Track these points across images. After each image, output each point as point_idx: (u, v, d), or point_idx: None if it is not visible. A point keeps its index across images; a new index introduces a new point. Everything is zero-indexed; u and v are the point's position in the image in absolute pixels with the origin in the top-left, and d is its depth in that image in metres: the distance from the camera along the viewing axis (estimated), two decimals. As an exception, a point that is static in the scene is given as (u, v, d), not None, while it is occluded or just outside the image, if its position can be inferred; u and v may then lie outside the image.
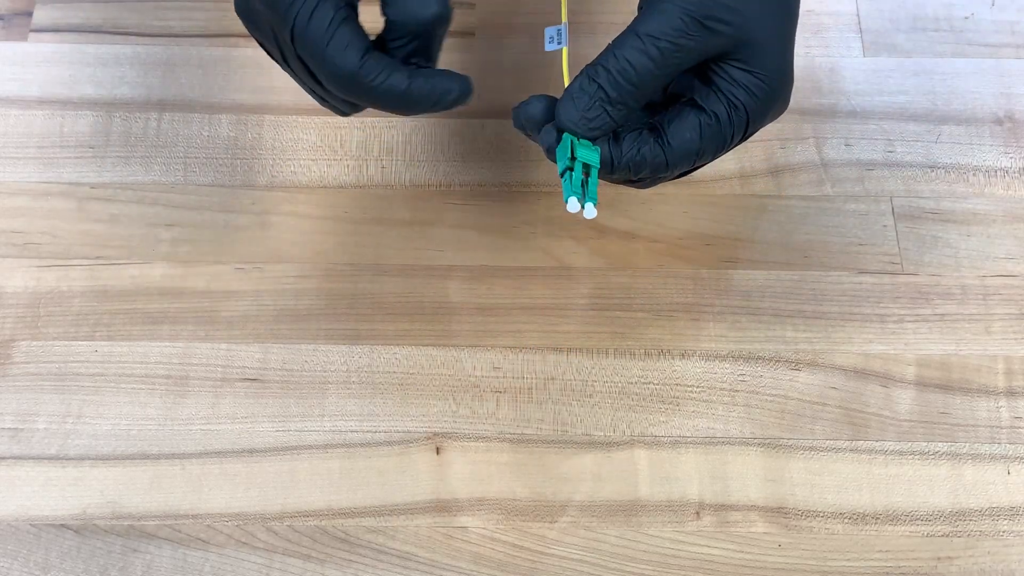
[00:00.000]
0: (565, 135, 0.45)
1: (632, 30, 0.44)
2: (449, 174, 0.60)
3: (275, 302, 0.56)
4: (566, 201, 0.44)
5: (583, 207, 0.44)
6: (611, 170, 0.46)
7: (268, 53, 0.48)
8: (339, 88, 0.44)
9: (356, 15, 0.44)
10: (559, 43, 0.50)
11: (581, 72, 0.45)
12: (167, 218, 0.59)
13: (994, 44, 0.65)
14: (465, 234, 0.58)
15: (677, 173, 0.47)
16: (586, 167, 0.45)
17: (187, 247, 0.58)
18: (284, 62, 0.47)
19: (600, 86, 0.44)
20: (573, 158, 0.45)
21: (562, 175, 0.45)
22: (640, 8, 0.46)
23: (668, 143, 0.45)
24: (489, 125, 0.62)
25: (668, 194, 0.59)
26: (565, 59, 0.49)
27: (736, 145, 0.48)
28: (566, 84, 0.47)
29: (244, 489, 0.52)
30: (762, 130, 0.61)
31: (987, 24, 0.66)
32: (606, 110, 0.44)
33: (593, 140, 0.45)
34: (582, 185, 0.45)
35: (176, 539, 0.51)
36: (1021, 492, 0.52)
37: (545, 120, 0.46)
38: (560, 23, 0.50)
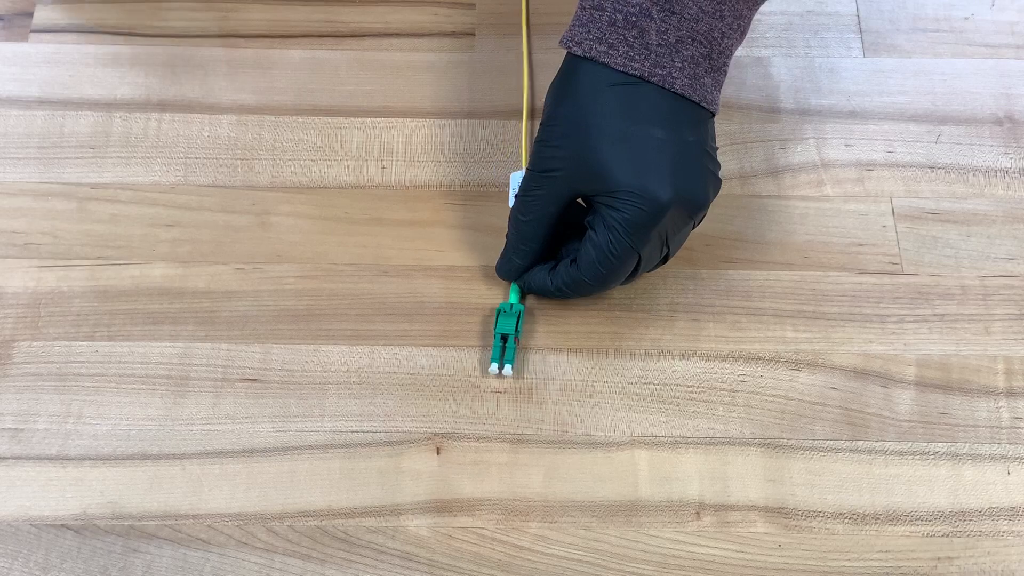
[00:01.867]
0: (496, 310, 0.55)
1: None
2: (449, 174, 0.60)
3: (275, 302, 0.56)
4: (489, 365, 0.54)
5: (501, 370, 0.54)
6: (553, 293, 0.55)
7: None
8: None
9: None
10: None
11: None
12: (167, 218, 0.59)
13: (994, 44, 0.65)
14: (465, 234, 0.58)
15: (612, 285, 0.54)
16: (503, 336, 0.54)
17: (187, 247, 0.58)
18: None
19: (507, 239, 0.55)
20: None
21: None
22: None
23: (577, 266, 0.53)
24: (489, 125, 0.62)
25: (668, 194, 0.59)
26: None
27: (652, 265, 0.54)
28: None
29: (244, 489, 0.52)
30: (762, 130, 0.61)
31: (987, 24, 0.66)
32: (511, 258, 0.55)
33: (522, 279, 0.55)
34: (502, 352, 0.54)
35: (176, 539, 0.51)
36: (1021, 492, 0.52)
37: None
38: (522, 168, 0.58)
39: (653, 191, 0.50)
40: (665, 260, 0.54)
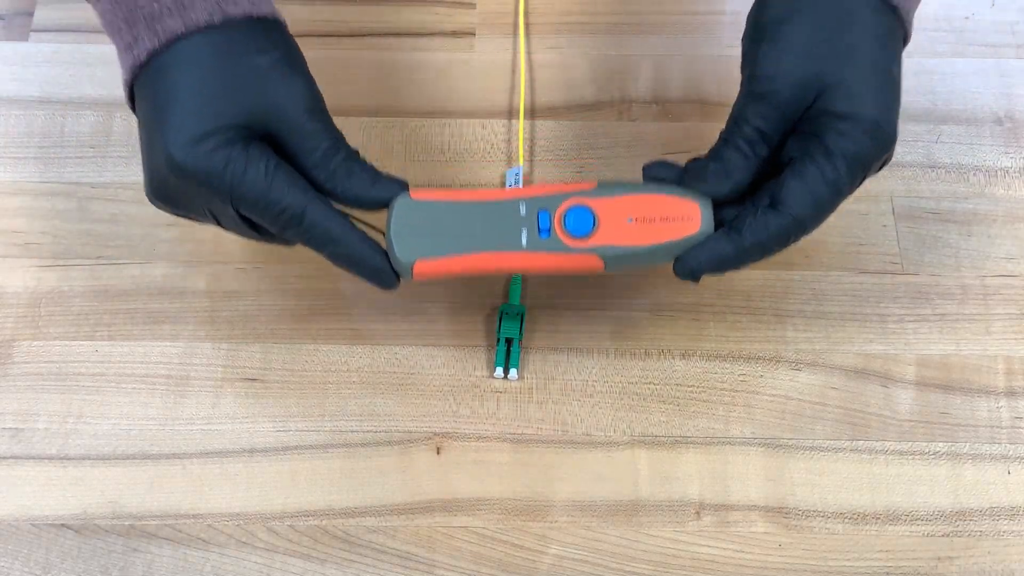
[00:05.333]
0: (498, 311, 0.54)
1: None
2: (448, 174, 0.60)
3: (275, 302, 0.56)
4: (494, 369, 0.54)
5: (507, 374, 0.54)
6: (735, 262, 0.47)
7: (191, 219, 0.50)
8: (287, 226, 0.46)
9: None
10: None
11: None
12: (168, 218, 0.58)
13: (994, 44, 0.65)
14: (465, 234, 0.58)
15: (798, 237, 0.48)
16: (508, 340, 0.54)
17: (188, 247, 0.58)
18: (217, 223, 0.49)
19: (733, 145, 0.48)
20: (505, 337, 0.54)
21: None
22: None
23: (788, 209, 0.46)
24: (489, 125, 0.62)
25: (668, 194, 0.59)
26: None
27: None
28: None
29: (244, 489, 0.52)
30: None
31: (987, 24, 0.66)
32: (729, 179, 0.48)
33: (684, 261, 0.47)
34: (507, 355, 0.54)
35: (177, 539, 0.51)
36: (1021, 492, 0.52)
37: (671, 179, 0.48)
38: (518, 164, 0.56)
39: (888, 126, 0.46)
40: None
